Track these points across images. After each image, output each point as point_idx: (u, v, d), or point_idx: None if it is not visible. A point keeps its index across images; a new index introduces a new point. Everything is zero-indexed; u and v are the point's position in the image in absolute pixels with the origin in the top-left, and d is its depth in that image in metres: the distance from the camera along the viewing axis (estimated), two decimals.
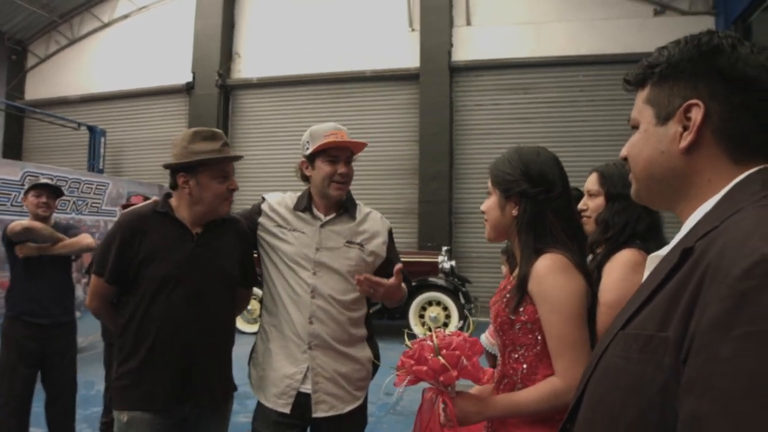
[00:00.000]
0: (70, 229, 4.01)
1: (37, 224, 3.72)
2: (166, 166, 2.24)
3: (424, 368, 1.49)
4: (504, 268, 4.21)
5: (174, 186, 2.24)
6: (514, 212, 1.61)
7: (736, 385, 0.65)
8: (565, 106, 11.13)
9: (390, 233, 2.46)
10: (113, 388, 2.22)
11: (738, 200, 0.83)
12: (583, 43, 11.10)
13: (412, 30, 11.97)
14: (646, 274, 0.95)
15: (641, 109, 0.98)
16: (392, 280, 2.10)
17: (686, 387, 0.71)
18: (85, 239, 3.89)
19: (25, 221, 3.71)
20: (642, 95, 0.98)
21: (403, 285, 2.29)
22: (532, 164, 1.61)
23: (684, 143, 0.90)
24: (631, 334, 0.85)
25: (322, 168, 2.26)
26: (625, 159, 1.03)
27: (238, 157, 2.32)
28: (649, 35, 10.41)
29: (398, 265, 2.14)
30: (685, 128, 0.90)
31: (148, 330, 2.14)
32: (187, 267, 2.18)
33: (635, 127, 1.00)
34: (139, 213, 2.26)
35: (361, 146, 2.32)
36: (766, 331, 0.64)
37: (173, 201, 2.27)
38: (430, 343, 1.53)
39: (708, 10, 10.80)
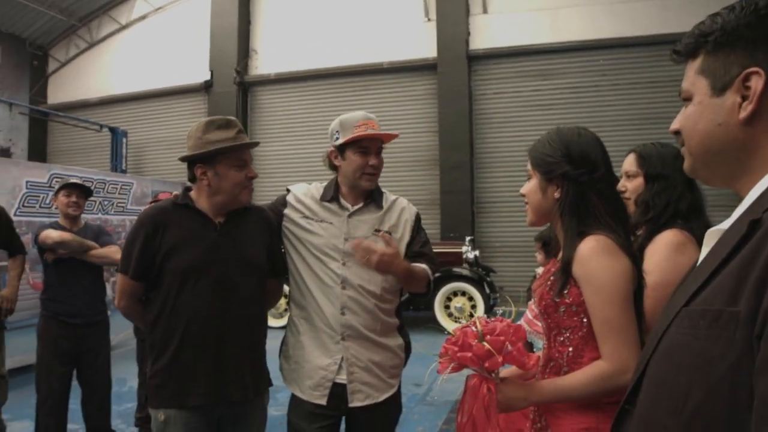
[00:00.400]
0: (101, 235, 4.04)
1: (68, 237, 3.75)
2: (183, 159, 2.22)
3: (469, 354, 1.48)
4: (539, 256, 4.17)
5: (192, 178, 2.22)
6: (557, 195, 1.58)
7: None
8: (586, 92, 10.99)
9: (417, 219, 2.43)
10: (148, 386, 2.22)
11: None
12: (602, 26, 10.92)
13: (429, 20, 11.89)
14: (705, 250, 0.91)
15: (694, 80, 0.93)
16: (387, 248, 2.04)
17: (763, 363, 0.68)
18: (117, 254, 3.90)
19: (56, 234, 3.72)
20: (694, 66, 0.94)
21: (424, 267, 2.27)
22: (573, 145, 1.57)
23: (744, 113, 0.85)
24: (697, 311, 0.81)
25: (354, 159, 2.24)
26: (676, 133, 0.99)
27: (254, 144, 2.28)
28: (670, 16, 10.19)
29: (381, 232, 2.10)
30: (744, 98, 0.85)
31: (177, 324, 2.12)
32: (211, 256, 2.16)
33: (687, 99, 0.96)
34: (160, 207, 2.24)
35: (391, 137, 2.30)
36: None
37: (193, 193, 2.25)
38: (474, 329, 1.52)
39: None
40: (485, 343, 1.47)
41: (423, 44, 11.81)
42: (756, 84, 0.84)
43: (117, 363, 4.53)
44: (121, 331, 6.36)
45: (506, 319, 1.60)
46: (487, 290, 8.34)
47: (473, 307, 8.26)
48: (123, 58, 14.57)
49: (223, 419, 2.23)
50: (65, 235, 3.75)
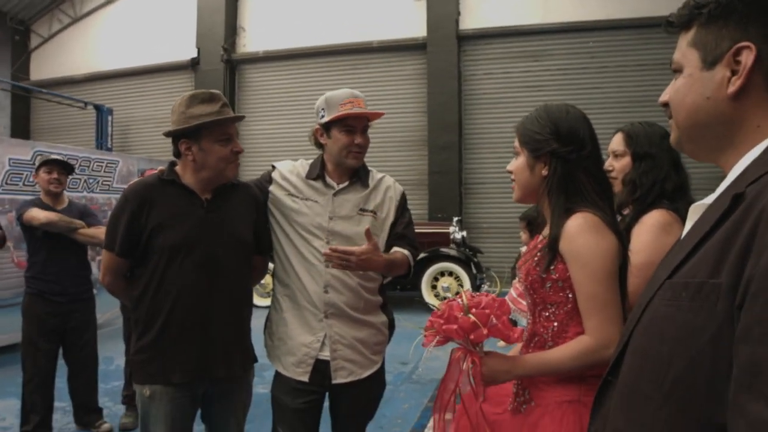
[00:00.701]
0: (86, 216, 4.00)
1: (54, 217, 3.71)
2: (167, 134, 2.19)
3: (455, 327, 1.49)
4: (523, 235, 4.20)
5: (177, 154, 2.20)
6: (544, 172, 1.58)
7: None
8: (575, 73, 10.97)
9: (403, 198, 2.42)
10: (132, 362, 2.22)
11: None
12: (592, 8, 10.88)
13: None
14: (689, 224, 0.92)
15: (685, 52, 0.93)
16: (363, 246, 2.01)
17: (743, 332, 0.69)
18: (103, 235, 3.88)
19: (42, 215, 3.67)
20: (686, 37, 0.94)
21: (404, 252, 2.28)
22: (561, 122, 1.57)
23: (733, 88, 0.86)
24: (680, 283, 0.82)
25: (339, 138, 2.23)
26: (665, 105, 0.99)
27: (239, 118, 2.24)
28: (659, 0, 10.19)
29: (366, 228, 2.07)
30: (734, 72, 0.86)
31: (163, 301, 2.12)
32: (199, 233, 2.14)
33: (677, 71, 0.96)
34: (145, 183, 2.21)
35: (377, 116, 2.29)
36: None
37: (179, 169, 2.23)
38: (460, 303, 1.53)
39: None
40: (471, 316, 1.48)
41: (413, 24, 11.71)
42: (746, 59, 0.84)
43: (104, 341, 4.53)
44: (108, 310, 6.35)
45: (491, 293, 1.61)
46: (474, 270, 8.40)
47: (460, 286, 8.32)
48: (108, 34, 14.30)
49: (208, 395, 2.25)
50: (51, 216, 3.71)
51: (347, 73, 12.06)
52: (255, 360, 2.39)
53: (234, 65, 13.01)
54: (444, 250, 8.62)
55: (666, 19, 0.97)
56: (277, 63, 12.74)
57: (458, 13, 11.49)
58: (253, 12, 13.06)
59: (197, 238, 2.14)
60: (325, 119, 2.23)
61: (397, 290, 8.64)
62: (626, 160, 2.03)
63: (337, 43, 12.14)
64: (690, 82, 0.92)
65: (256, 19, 13.00)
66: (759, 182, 0.77)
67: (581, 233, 1.48)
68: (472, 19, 11.49)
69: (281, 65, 12.70)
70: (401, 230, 2.35)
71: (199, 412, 2.31)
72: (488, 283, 8.35)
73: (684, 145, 0.99)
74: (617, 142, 2.07)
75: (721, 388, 0.72)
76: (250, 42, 13.00)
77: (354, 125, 2.23)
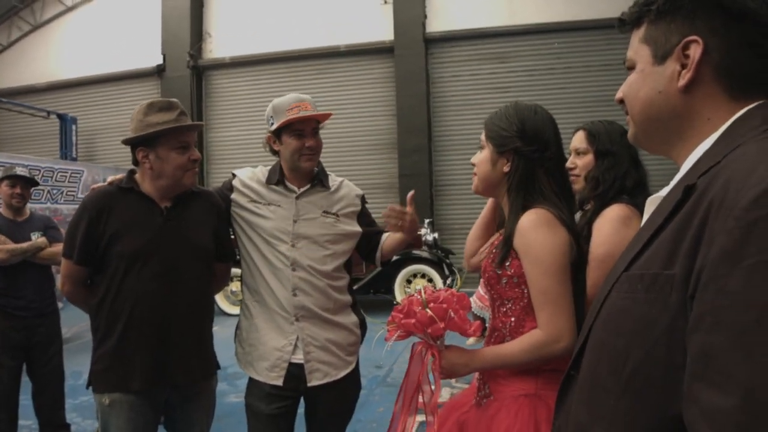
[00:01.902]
0: (48, 229, 3.92)
1: (12, 250, 3.62)
2: (125, 142, 2.19)
3: (413, 321, 1.54)
4: None
5: (136, 162, 2.20)
6: (506, 168, 1.62)
7: (747, 317, 0.64)
8: (541, 74, 11.12)
9: (362, 200, 2.47)
10: (92, 371, 2.19)
11: (738, 135, 0.81)
12: (557, 10, 11.05)
13: (385, 2, 11.80)
14: (645, 216, 0.94)
15: (637, 48, 0.95)
16: (408, 207, 2.20)
17: (695, 322, 0.70)
18: None
19: (2, 248, 3.60)
20: (638, 34, 0.95)
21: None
22: (528, 122, 1.61)
23: (683, 81, 0.88)
24: (636, 275, 0.84)
25: (290, 143, 2.24)
26: (621, 102, 1.01)
27: (195, 126, 2.25)
28: (623, 1, 10.37)
29: (411, 192, 2.21)
30: (684, 66, 0.88)
31: (121, 309, 2.11)
32: (158, 241, 2.14)
33: (631, 68, 0.97)
34: (104, 191, 2.20)
35: (325, 117, 2.30)
36: None
37: (138, 177, 2.23)
38: (419, 298, 1.57)
39: None
40: (428, 310, 1.53)
41: (380, 27, 11.73)
42: (694, 52, 0.86)
43: (72, 356, 4.43)
44: (74, 324, 6.21)
45: (451, 288, 1.66)
46: (446, 272, 8.45)
47: (434, 289, 8.35)
48: (70, 42, 14.00)
49: (169, 402, 2.24)
50: (13, 248, 3.62)
51: (315, 78, 12.03)
52: (217, 367, 2.38)
53: (200, 71, 12.87)
54: (416, 252, 8.63)
55: (618, 17, 1.00)
56: (244, 68, 12.64)
57: (425, 16, 11.55)
58: (219, 17, 12.94)
59: (155, 245, 2.14)
60: (274, 126, 2.25)
61: (371, 293, 8.64)
62: (589, 158, 2.07)
63: (304, 48, 12.10)
64: (642, 77, 0.94)
65: (222, 24, 12.88)
66: (709, 174, 0.78)
67: (533, 228, 1.51)
68: (438, 22, 11.57)
69: (248, 71, 12.61)
70: (377, 228, 2.47)
71: (163, 421, 2.30)
72: (450, 279, 8.42)
73: (640, 140, 1.00)
74: (579, 140, 2.11)
75: (676, 378, 0.73)
76: (217, 48, 12.88)
77: (302, 129, 2.24)
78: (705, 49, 0.85)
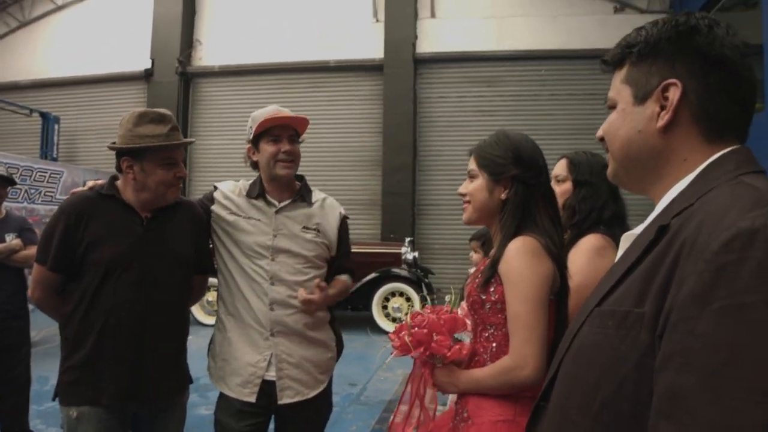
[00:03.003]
0: (24, 231, 3.84)
1: None
2: (111, 148, 2.14)
3: (398, 344, 1.62)
4: (474, 255, 4.27)
5: (119, 168, 2.15)
6: (503, 195, 1.63)
7: (716, 359, 0.65)
8: (527, 100, 11.27)
9: (343, 220, 2.45)
10: (60, 382, 2.11)
11: (712, 178, 0.84)
12: (546, 38, 11.24)
13: (377, 21, 11.90)
14: (619, 253, 0.96)
15: (619, 88, 0.98)
16: (316, 294, 2.16)
17: (663, 361, 0.72)
18: None
19: None
20: (620, 75, 0.98)
21: (345, 280, 2.41)
22: (523, 149, 1.64)
23: (661, 122, 0.90)
24: (607, 311, 0.85)
25: (266, 149, 2.24)
26: (602, 139, 1.03)
27: (185, 143, 2.21)
28: (610, 32, 10.61)
29: (317, 281, 2.20)
30: (663, 108, 0.90)
31: (95, 318, 2.04)
32: (137, 251, 2.09)
33: (612, 107, 1.00)
34: (84, 197, 2.14)
35: (302, 123, 2.30)
36: (744, 304, 0.65)
37: (120, 184, 2.17)
38: (407, 322, 1.65)
39: (665, 9, 11.07)
40: (407, 337, 1.59)
41: (370, 45, 11.82)
42: (673, 95, 0.89)
43: (40, 360, 4.33)
44: (43, 327, 6.09)
45: (450, 306, 1.71)
46: (425, 291, 8.44)
47: (410, 307, 8.34)
48: (58, 41, 13.86)
49: (139, 416, 2.17)
50: None
51: (303, 92, 12.05)
52: (190, 381, 2.33)
53: (189, 78, 12.81)
54: (395, 270, 8.64)
55: (601, 58, 1.02)
56: (232, 78, 12.62)
57: (415, 37, 11.66)
58: (210, 25, 12.92)
59: (134, 255, 2.09)
60: (252, 134, 2.25)
61: (349, 310, 8.60)
62: (567, 186, 2.11)
63: (294, 61, 12.12)
64: (623, 116, 0.97)
65: (213, 32, 12.87)
66: (682, 215, 0.80)
67: (517, 255, 1.53)
68: (428, 43, 11.68)
69: (237, 80, 12.59)
70: (343, 263, 2.44)
71: None
72: (448, 298, 8.41)
73: (620, 177, 1.03)
74: (561, 168, 2.15)
75: (644, 415, 0.74)
76: (207, 55, 12.84)
77: (279, 134, 2.24)
78: (683, 92, 0.88)
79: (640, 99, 0.93)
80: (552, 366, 1.00)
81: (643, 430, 0.74)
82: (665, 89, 0.90)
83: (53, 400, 2.12)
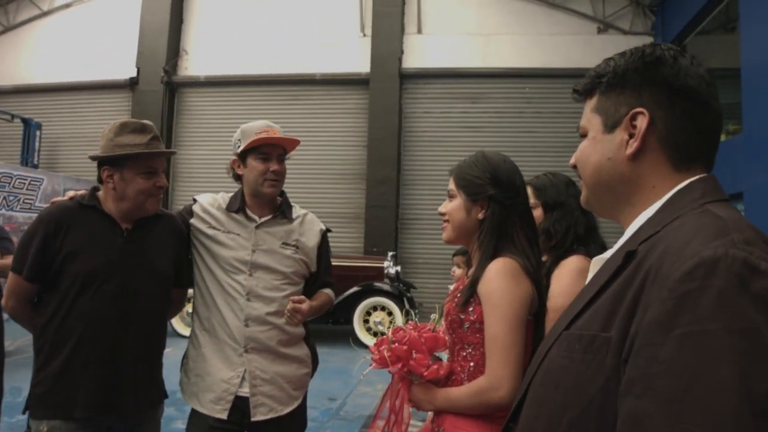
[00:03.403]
0: (1, 240, 3.77)
1: None
2: (92, 158, 2.13)
3: (377, 357, 1.63)
4: (458, 270, 4.28)
5: (101, 179, 2.13)
6: (480, 215, 1.65)
7: (675, 385, 0.67)
8: (511, 117, 11.41)
9: (324, 236, 2.45)
10: (31, 395, 2.06)
11: (678, 207, 0.86)
12: (530, 56, 11.40)
13: (364, 35, 11.99)
14: (589, 276, 0.98)
15: (590, 117, 1.01)
16: (303, 306, 2.15)
17: (627, 386, 0.73)
18: None
19: None
20: (590, 104, 1.01)
21: (328, 293, 2.40)
22: (500, 170, 1.66)
23: (630, 150, 0.93)
24: (575, 335, 0.87)
25: (255, 166, 2.23)
26: (574, 167, 1.05)
27: (165, 153, 2.20)
28: (593, 51, 10.81)
29: (303, 299, 2.19)
30: (631, 136, 0.93)
31: (71, 330, 2.01)
32: (116, 263, 2.07)
33: (584, 136, 1.02)
34: (64, 206, 2.11)
35: (293, 143, 2.31)
36: (705, 331, 0.67)
37: (101, 195, 2.15)
38: (388, 337, 1.65)
39: (647, 31, 11.30)
40: (386, 352, 1.61)
41: (357, 59, 11.89)
42: (641, 123, 0.91)
43: (13, 371, 4.25)
44: (18, 337, 5.99)
45: (434, 324, 1.72)
46: (407, 306, 8.43)
47: (392, 322, 8.32)
48: (42, 47, 13.75)
49: (113, 430, 2.13)
50: None
51: (289, 104, 12.07)
52: (165, 396, 2.30)
53: (174, 88, 12.77)
54: (377, 284, 8.62)
55: (573, 88, 1.05)
56: (218, 88, 12.60)
57: (402, 52, 11.76)
58: (197, 35, 12.91)
59: (113, 267, 2.06)
60: (241, 148, 2.23)
61: (329, 323, 8.56)
62: (538, 212, 2.13)
63: (280, 73, 12.15)
64: (593, 144, 0.99)
65: (199, 42, 12.85)
66: (649, 241, 0.82)
67: (497, 276, 1.54)
68: (414, 59, 11.79)
69: (222, 91, 12.57)
70: (323, 278, 2.44)
71: None
72: (434, 316, 8.43)
73: (592, 204, 1.05)
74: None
75: None
76: (192, 65, 12.82)
77: (269, 152, 2.24)
78: (651, 120, 0.91)
79: (610, 127, 0.96)
80: (521, 388, 1.01)
81: None
82: (633, 118, 0.92)
83: (23, 413, 2.08)
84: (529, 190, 2.16)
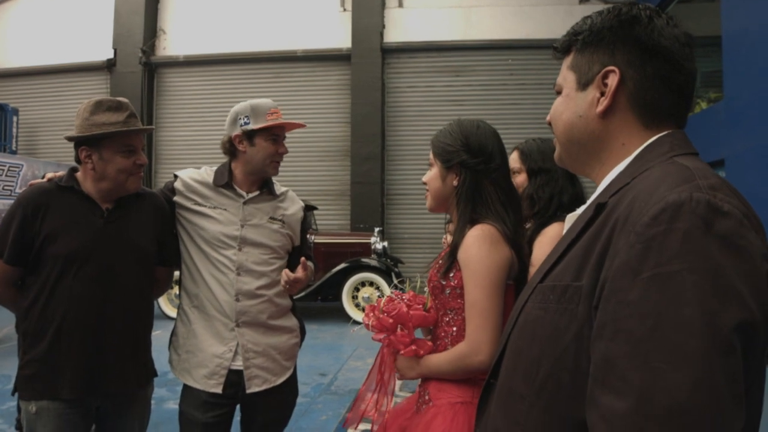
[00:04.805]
0: None
1: None
2: (69, 139, 2.10)
3: (366, 323, 1.70)
4: (450, 238, 4.30)
5: (78, 160, 2.11)
6: (455, 182, 1.69)
7: (644, 326, 0.69)
8: (495, 89, 11.38)
9: (305, 215, 2.51)
10: (19, 377, 2.07)
11: (648, 160, 0.88)
12: (512, 28, 11.34)
13: (344, 10, 11.85)
14: (564, 231, 1.00)
15: (565, 74, 1.02)
16: (300, 273, 2.15)
17: (598, 331, 0.76)
18: None
19: None
20: (567, 61, 1.02)
21: (309, 263, 2.41)
22: (471, 136, 1.69)
23: (600, 108, 0.94)
24: (549, 286, 0.89)
25: (265, 146, 2.24)
26: (550, 124, 1.07)
27: (144, 130, 2.17)
28: (575, 21, 10.72)
29: (302, 258, 2.19)
30: (603, 93, 0.94)
31: (54, 312, 2.01)
32: (96, 244, 2.06)
33: (559, 92, 1.04)
34: (42, 188, 2.09)
35: (299, 127, 2.37)
36: (671, 272, 0.69)
37: (79, 175, 2.13)
38: (378, 306, 1.70)
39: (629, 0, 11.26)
40: (372, 321, 1.68)
41: (338, 34, 11.76)
42: (612, 81, 0.92)
43: (2, 358, 4.24)
44: (5, 326, 5.96)
45: (426, 299, 1.74)
46: (395, 280, 8.49)
47: (380, 297, 8.38)
48: (15, 29, 13.43)
49: (102, 410, 2.15)
50: None
51: (270, 81, 11.94)
52: (155, 374, 2.31)
53: (153, 68, 12.56)
54: (365, 260, 8.66)
55: (552, 45, 1.07)
56: (198, 68, 12.42)
57: (383, 26, 11.65)
58: (174, 14, 12.68)
59: (93, 248, 2.05)
60: (251, 126, 2.21)
61: (318, 300, 8.60)
62: (522, 177, 2.14)
63: (260, 51, 12.01)
64: (566, 101, 1.01)
65: (177, 21, 12.63)
66: (619, 193, 0.84)
67: (475, 243, 1.57)
68: (396, 33, 11.68)
69: (202, 70, 12.40)
70: (306, 251, 2.48)
71: (94, 429, 2.20)
72: (427, 291, 8.52)
73: (564, 160, 1.07)
74: (513, 160, 2.18)
75: (583, 383, 0.78)
76: (171, 45, 12.61)
77: (279, 134, 2.28)
78: (621, 79, 0.92)
79: (583, 85, 0.97)
80: (501, 343, 1.04)
81: (582, 400, 0.77)
82: (605, 76, 0.93)
83: (12, 395, 2.09)
84: (516, 154, 2.17)
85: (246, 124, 2.23)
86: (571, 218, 0.99)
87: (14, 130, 12.48)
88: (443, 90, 11.52)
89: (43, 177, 2.21)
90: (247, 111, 2.24)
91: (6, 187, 6.94)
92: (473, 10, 11.55)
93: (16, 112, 12.56)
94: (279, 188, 2.42)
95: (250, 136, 2.24)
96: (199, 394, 2.19)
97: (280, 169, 2.31)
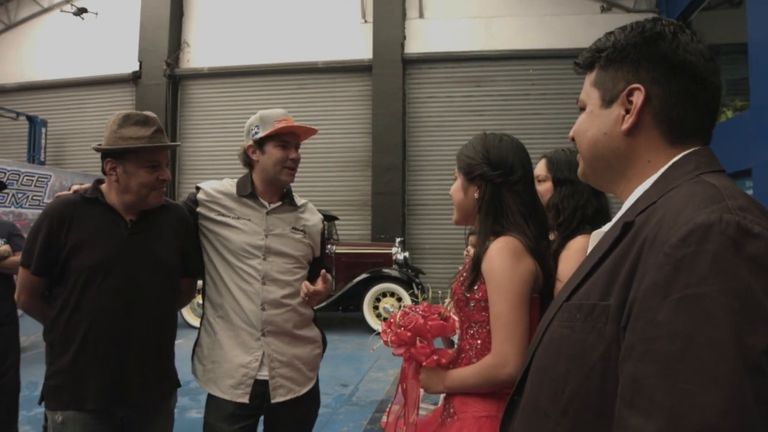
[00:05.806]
0: (13, 237, 3.80)
1: None
2: (96, 149, 2.14)
3: (385, 339, 1.70)
4: (472, 250, 4.28)
5: (104, 171, 2.14)
6: (476, 195, 1.69)
7: (673, 347, 0.69)
8: (516, 99, 11.35)
9: (323, 227, 2.54)
10: (45, 387, 2.10)
11: (674, 178, 0.87)
12: (533, 37, 11.31)
13: (365, 21, 11.93)
14: (589, 249, 0.99)
15: (588, 91, 1.01)
16: (320, 285, 2.17)
17: (626, 351, 0.75)
18: None
19: None
20: (590, 78, 1.01)
21: (328, 275, 2.40)
22: (493, 149, 1.69)
23: (625, 125, 0.93)
24: (575, 305, 0.89)
25: (274, 153, 2.25)
26: (573, 140, 1.06)
27: (168, 146, 2.19)
28: (597, 31, 10.54)
29: (323, 271, 2.20)
30: (628, 111, 0.93)
31: (79, 323, 2.03)
32: (120, 255, 2.08)
33: (583, 109, 1.03)
34: (67, 200, 2.13)
35: (311, 132, 2.35)
36: (701, 294, 0.69)
37: (104, 187, 2.16)
38: (395, 321, 1.70)
39: (651, 8, 11.17)
40: (391, 336, 1.67)
41: (359, 45, 11.85)
42: (637, 99, 0.92)
43: (29, 365, 4.31)
44: (32, 333, 6.06)
45: (444, 308, 1.75)
46: (416, 291, 8.47)
47: (394, 312, 8.36)
48: (44, 43, 13.78)
49: (127, 420, 2.16)
50: None
51: (292, 93, 12.06)
52: (178, 385, 2.32)
53: (177, 80, 12.78)
54: (386, 270, 8.65)
55: (574, 61, 1.05)
56: (221, 80, 12.60)
57: (404, 37, 11.70)
58: (198, 27, 12.90)
59: (117, 260, 2.08)
60: (260, 135, 2.25)
61: (339, 311, 8.61)
62: (548, 185, 2.12)
63: (282, 62, 12.14)
64: (591, 118, 1.00)
65: (201, 34, 12.84)
66: (645, 212, 0.84)
67: (499, 255, 1.57)
68: (417, 44, 11.73)
69: (225, 82, 12.57)
70: (324, 263, 2.49)
71: None
72: (448, 300, 8.49)
73: (588, 177, 1.07)
74: (540, 168, 2.17)
75: (610, 404, 0.77)
76: (195, 57, 12.82)
77: (289, 140, 2.28)
78: (647, 96, 0.91)
79: (607, 102, 0.96)
80: (526, 360, 1.03)
81: (611, 418, 0.76)
82: (630, 94, 0.93)
83: (39, 404, 2.11)
84: (543, 163, 2.16)
85: (256, 133, 2.27)
86: (596, 235, 0.99)
87: (43, 141, 12.79)
88: (464, 100, 11.52)
89: (69, 189, 2.25)
90: (257, 121, 2.28)
91: (35, 197, 7.08)
92: (494, 20, 11.55)
93: (45, 123, 12.87)
94: (299, 200, 2.44)
95: (260, 144, 2.27)
96: (226, 406, 2.20)
97: (302, 178, 2.32)
